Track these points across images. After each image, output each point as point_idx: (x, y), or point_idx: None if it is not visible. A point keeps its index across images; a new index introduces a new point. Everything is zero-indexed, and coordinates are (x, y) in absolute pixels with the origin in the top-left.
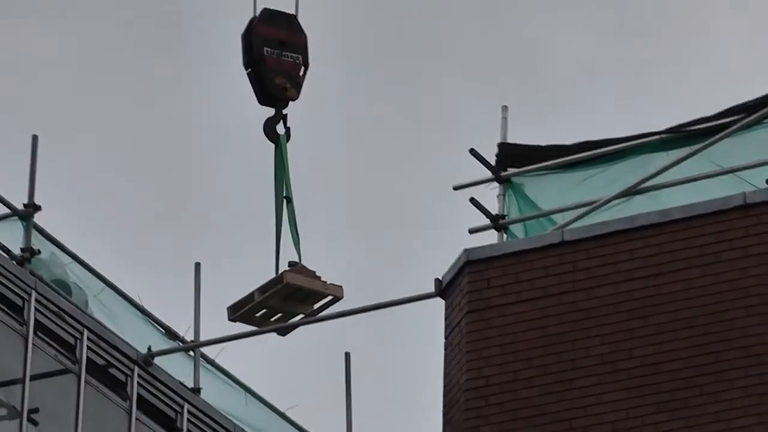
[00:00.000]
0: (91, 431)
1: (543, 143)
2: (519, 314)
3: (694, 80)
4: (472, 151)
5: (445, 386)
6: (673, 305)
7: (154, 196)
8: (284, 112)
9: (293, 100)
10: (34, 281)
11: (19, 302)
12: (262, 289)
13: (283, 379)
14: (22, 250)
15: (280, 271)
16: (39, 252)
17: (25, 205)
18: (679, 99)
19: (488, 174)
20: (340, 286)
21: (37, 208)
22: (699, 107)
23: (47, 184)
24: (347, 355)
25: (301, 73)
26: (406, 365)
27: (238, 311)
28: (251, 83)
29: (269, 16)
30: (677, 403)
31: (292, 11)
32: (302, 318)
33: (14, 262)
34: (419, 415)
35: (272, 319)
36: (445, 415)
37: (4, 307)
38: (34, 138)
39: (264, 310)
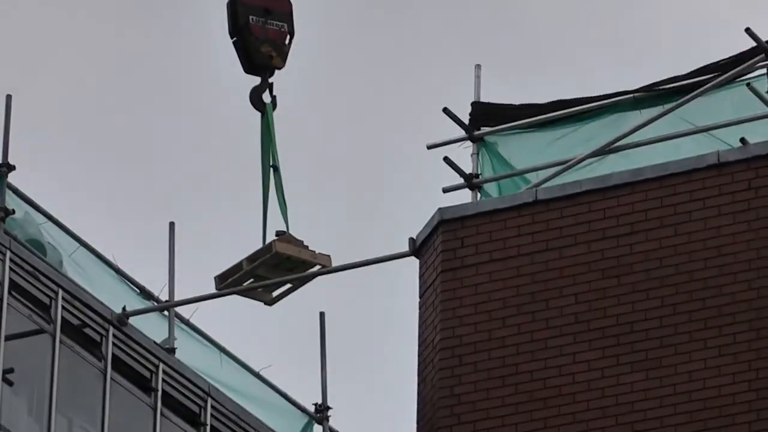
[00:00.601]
0: (66, 391)
1: (516, 102)
2: (493, 273)
3: (667, 38)
4: (446, 110)
5: (419, 346)
6: (647, 264)
7: (129, 155)
8: (270, 80)
9: (279, 68)
10: (9, 241)
11: None
12: (251, 258)
13: (258, 338)
14: None
15: (267, 240)
16: (13, 212)
17: None
18: (652, 57)
19: (462, 133)
20: (328, 256)
21: (11, 167)
22: (672, 66)
23: (21, 143)
24: (322, 315)
25: (287, 41)
26: (381, 325)
27: (225, 280)
28: (237, 52)
29: None
30: (652, 362)
31: None
32: (289, 288)
33: None
34: (394, 375)
35: (259, 288)
36: (419, 374)
37: None
38: (8, 97)
39: (251, 279)
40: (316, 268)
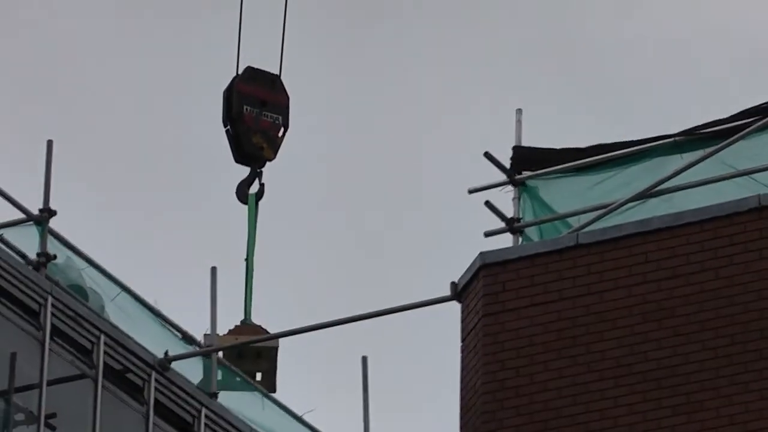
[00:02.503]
0: None
1: (557, 146)
2: (534, 317)
3: (708, 82)
4: (487, 155)
5: (461, 390)
6: (687, 308)
7: (170, 200)
8: (260, 170)
9: (269, 160)
10: (51, 286)
11: (36, 307)
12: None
13: (300, 382)
14: (38, 255)
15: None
16: (55, 257)
17: (40, 210)
18: (693, 101)
19: (503, 177)
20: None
21: (53, 213)
22: (713, 110)
23: (62, 189)
24: (364, 359)
25: (280, 134)
26: (423, 369)
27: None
28: (228, 140)
29: (252, 74)
30: (693, 405)
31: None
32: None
33: (30, 267)
34: (436, 420)
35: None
36: (461, 418)
37: (20, 312)
38: (49, 143)
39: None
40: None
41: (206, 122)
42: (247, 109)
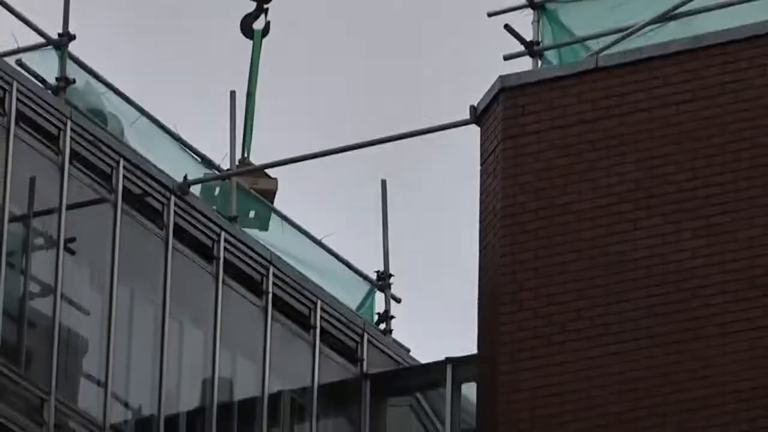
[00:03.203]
0: (128, 261)
1: None
2: (553, 140)
3: None
4: None
5: (481, 213)
6: (708, 131)
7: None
8: (266, 6)
9: None
10: (70, 110)
11: (55, 132)
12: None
13: (320, 206)
14: (57, 79)
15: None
16: (74, 81)
17: (59, 35)
18: None
19: (522, 0)
20: (275, 179)
21: (72, 37)
22: None
23: (81, 12)
24: (383, 183)
25: None
26: (442, 192)
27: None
28: None
29: None
30: (713, 228)
31: None
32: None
33: (49, 91)
34: (456, 242)
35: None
36: (481, 241)
37: (40, 137)
38: None
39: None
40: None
41: None
42: None
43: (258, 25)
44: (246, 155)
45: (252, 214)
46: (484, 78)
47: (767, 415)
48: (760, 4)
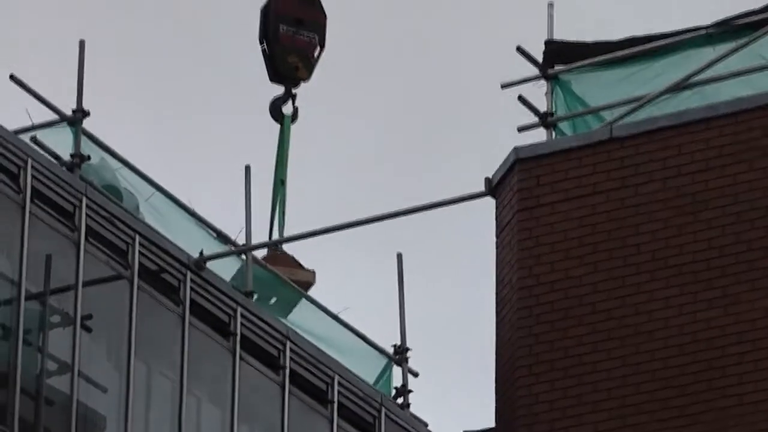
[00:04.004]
0: (145, 337)
1: (589, 40)
2: (569, 212)
3: None
4: (519, 49)
5: (497, 285)
6: (722, 200)
7: (202, 99)
8: (294, 91)
9: (304, 80)
10: (85, 187)
11: (70, 208)
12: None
13: (336, 280)
14: (71, 156)
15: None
16: (89, 158)
17: (73, 111)
18: None
19: (536, 71)
20: (313, 272)
21: (86, 113)
22: (745, 1)
23: (95, 89)
24: (399, 256)
25: (316, 53)
26: (458, 265)
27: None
28: (264, 59)
29: None
30: (729, 298)
31: None
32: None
33: (64, 168)
34: (472, 315)
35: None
36: (497, 313)
37: (55, 214)
38: (81, 43)
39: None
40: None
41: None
42: (283, 27)
43: (287, 110)
44: (279, 246)
45: (273, 300)
46: (498, 149)
47: None
48: None
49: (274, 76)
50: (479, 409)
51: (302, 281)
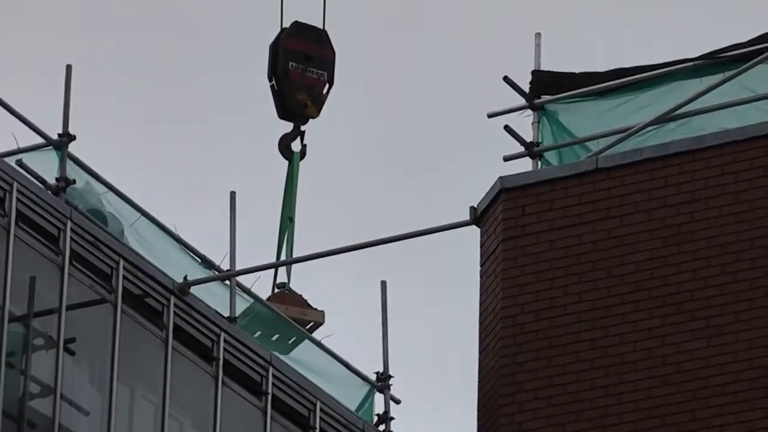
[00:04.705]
0: (128, 361)
1: (576, 70)
2: (554, 242)
3: (727, 6)
4: (506, 79)
5: (481, 314)
6: (707, 232)
7: (189, 124)
8: (303, 128)
9: (313, 117)
10: (70, 211)
11: (55, 232)
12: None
13: (319, 307)
14: (57, 179)
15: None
16: (74, 182)
17: (59, 135)
18: (712, 25)
19: (522, 101)
20: (322, 311)
21: (72, 137)
22: (732, 33)
23: (81, 113)
24: (383, 284)
25: (325, 90)
26: (442, 293)
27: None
28: (273, 96)
29: (298, 29)
30: (713, 330)
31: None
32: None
33: (49, 191)
34: (456, 343)
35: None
36: (481, 342)
37: (39, 237)
38: (68, 68)
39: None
40: (310, 324)
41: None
42: (292, 65)
43: (296, 147)
44: (287, 282)
45: (275, 337)
46: (484, 178)
47: None
48: (760, 104)
49: (283, 113)
50: None
51: (312, 321)
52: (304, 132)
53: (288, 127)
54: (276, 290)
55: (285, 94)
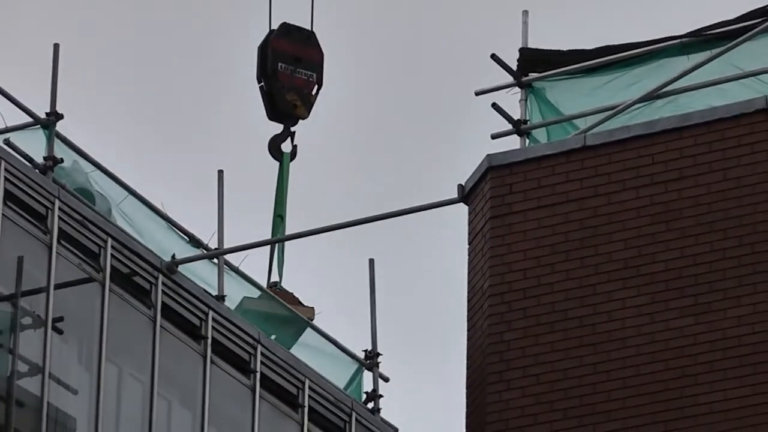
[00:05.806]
0: (116, 339)
1: (564, 48)
2: (541, 219)
3: None
4: (494, 57)
5: (468, 292)
6: (695, 209)
7: (177, 102)
8: (293, 129)
9: (303, 118)
10: (57, 190)
11: (43, 211)
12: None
13: (307, 285)
14: (44, 158)
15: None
16: (62, 161)
17: (47, 114)
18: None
19: (510, 79)
20: (312, 308)
21: (60, 116)
22: (719, 11)
23: (69, 92)
24: (371, 262)
25: (314, 91)
26: (430, 271)
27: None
28: (262, 97)
29: (287, 30)
30: (701, 307)
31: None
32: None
33: (37, 170)
34: (444, 321)
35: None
36: (469, 320)
37: (27, 216)
38: (56, 46)
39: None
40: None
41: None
42: (281, 66)
43: (286, 148)
44: (279, 281)
45: (273, 338)
46: (471, 156)
47: None
48: (747, 82)
49: (273, 114)
50: (449, 414)
51: (305, 317)
52: (294, 133)
53: (278, 128)
54: (269, 287)
55: (275, 94)
